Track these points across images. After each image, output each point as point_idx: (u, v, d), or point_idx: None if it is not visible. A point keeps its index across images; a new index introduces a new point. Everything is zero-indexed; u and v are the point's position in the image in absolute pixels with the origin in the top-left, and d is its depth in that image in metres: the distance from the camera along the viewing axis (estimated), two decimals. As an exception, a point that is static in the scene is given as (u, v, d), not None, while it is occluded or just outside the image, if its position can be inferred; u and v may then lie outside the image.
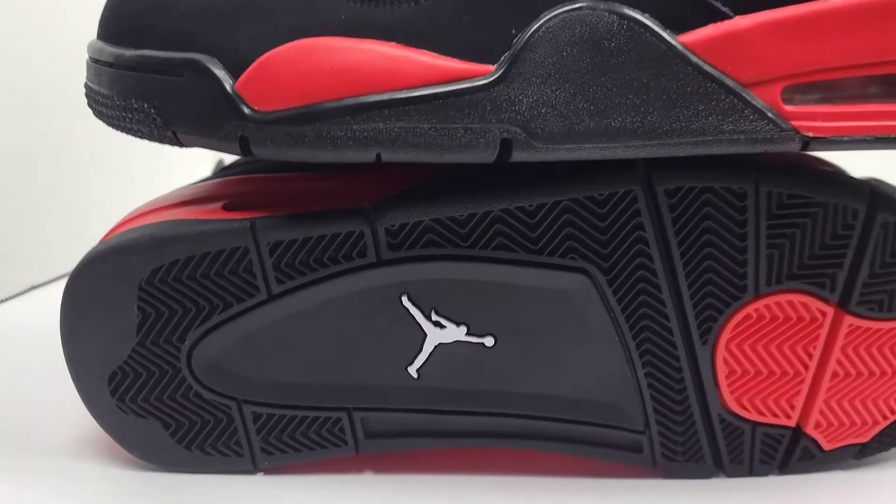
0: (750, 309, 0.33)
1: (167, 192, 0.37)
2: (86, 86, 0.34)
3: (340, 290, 0.33)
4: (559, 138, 0.30)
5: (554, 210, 0.32)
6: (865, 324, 0.33)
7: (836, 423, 0.34)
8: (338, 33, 0.30)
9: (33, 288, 0.59)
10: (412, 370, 0.34)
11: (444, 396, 0.34)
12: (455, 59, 0.30)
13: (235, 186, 0.36)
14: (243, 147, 0.31)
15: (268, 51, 0.30)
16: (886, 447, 0.35)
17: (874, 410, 0.34)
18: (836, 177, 0.34)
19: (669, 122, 0.30)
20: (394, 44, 0.30)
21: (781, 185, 0.32)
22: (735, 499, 0.33)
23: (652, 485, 0.34)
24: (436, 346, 0.33)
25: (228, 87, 0.30)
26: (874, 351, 0.33)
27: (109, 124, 0.33)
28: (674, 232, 0.32)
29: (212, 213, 0.33)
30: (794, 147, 0.30)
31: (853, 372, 0.33)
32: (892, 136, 0.31)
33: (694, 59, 0.29)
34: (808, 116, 0.30)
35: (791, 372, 0.33)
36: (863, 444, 0.34)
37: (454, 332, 0.33)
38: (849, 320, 0.33)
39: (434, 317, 0.33)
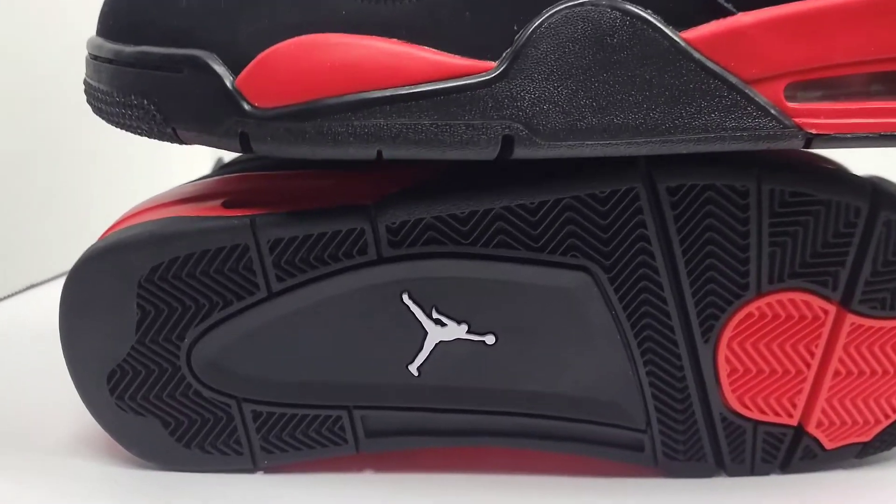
0: (752, 307, 0.33)
1: (167, 190, 0.37)
2: (85, 82, 0.34)
3: (341, 287, 0.33)
4: (561, 135, 0.30)
5: (555, 208, 0.32)
6: (867, 322, 0.33)
7: (837, 422, 0.34)
8: (339, 29, 0.30)
9: (32, 286, 0.59)
10: (413, 368, 0.34)
11: (444, 395, 0.34)
12: (457, 56, 0.30)
13: (236, 184, 0.36)
14: (243, 144, 0.31)
15: (268, 47, 0.30)
16: (888, 446, 0.35)
17: (876, 409, 0.34)
18: (839, 174, 0.34)
19: (672, 118, 0.30)
20: (395, 40, 0.30)
21: (784, 182, 0.32)
22: (736, 498, 0.33)
23: (653, 484, 0.34)
24: (436, 345, 0.33)
25: (229, 84, 0.30)
26: (876, 350, 0.33)
27: (109, 121, 0.33)
28: (676, 230, 0.32)
29: (212, 210, 0.33)
30: (797, 144, 0.30)
31: (855, 371, 0.33)
32: (895, 133, 0.31)
33: (696, 55, 0.29)
34: (811, 113, 0.30)
35: (793, 371, 0.33)
36: (864, 444, 0.34)
37: (455, 331, 0.33)
38: (851, 319, 0.33)
39: (435, 315, 0.33)
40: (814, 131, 0.30)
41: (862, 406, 0.34)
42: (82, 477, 0.35)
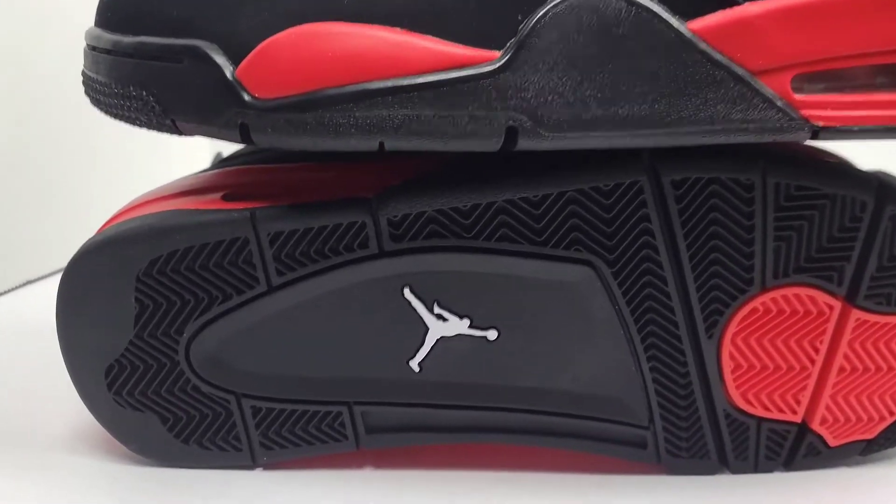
0: (756, 302, 0.32)
1: (166, 183, 0.37)
2: (83, 74, 0.34)
3: (341, 281, 0.32)
4: (565, 126, 0.29)
5: (559, 201, 0.32)
6: (873, 318, 0.33)
7: (842, 418, 0.34)
8: (340, 18, 0.29)
9: (28, 283, 0.59)
10: (414, 364, 0.33)
11: (445, 391, 0.34)
12: (460, 45, 0.29)
13: (235, 177, 0.36)
14: (243, 135, 0.30)
15: (269, 36, 0.30)
16: (892, 444, 0.35)
17: (881, 406, 0.34)
18: (844, 169, 0.33)
19: (677, 110, 0.29)
20: (397, 29, 0.29)
21: (789, 176, 0.31)
22: (740, 495, 0.33)
23: (656, 481, 0.34)
24: (438, 340, 0.33)
25: (229, 74, 0.30)
26: (881, 346, 0.33)
27: (107, 113, 0.33)
28: (680, 224, 0.32)
29: (211, 203, 0.33)
30: (804, 137, 0.30)
31: (860, 367, 0.33)
32: (898, 126, 0.31)
33: (703, 46, 0.29)
34: (818, 105, 0.30)
35: (797, 367, 0.33)
36: (869, 441, 0.34)
37: (456, 326, 0.33)
38: (856, 314, 0.33)
39: (436, 309, 0.33)
40: (821, 123, 0.30)
41: (866, 403, 0.34)
42: (80, 473, 0.34)
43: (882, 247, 0.32)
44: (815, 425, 0.34)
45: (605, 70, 0.29)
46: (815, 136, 0.30)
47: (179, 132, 0.32)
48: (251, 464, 0.34)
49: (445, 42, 0.29)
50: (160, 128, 0.32)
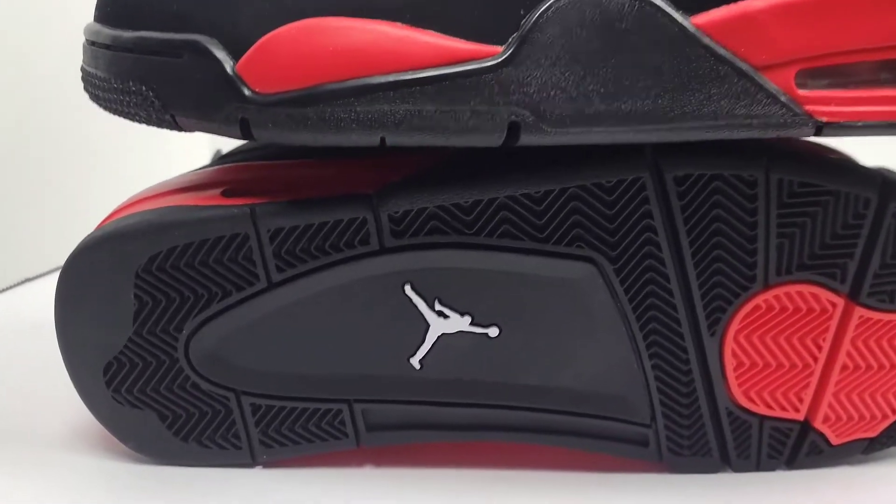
0: (759, 300, 0.32)
1: (165, 180, 0.37)
2: (82, 69, 0.34)
3: (342, 278, 0.32)
4: (568, 121, 0.29)
5: (561, 197, 0.31)
6: (876, 316, 0.33)
7: (844, 417, 0.34)
8: (341, 13, 0.29)
9: (27, 280, 0.59)
10: (414, 361, 0.33)
11: (446, 388, 0.34)
12: (462, 40, 0.29)
13: (235, 173, 0.36)
14: (244, 130, 0.30)
15: (269, 31, 0.29)
16: (895, 442, 0.34)
17: (883, 404, 0.34)
18: (848, 165, 0.33)
19: (681, 105, 0.29)
20: (399, 24, 0.29)
21: (792, 172, 0.31)
22: (742, 494, 0.33)
23: (658, 479, 0.34)
24: (439, 337, 0.33)
25: (229, 69, 0.30)
26: (884, 343, 0.33)
27: (106, 108, 0.33)
28: (682, 220, 0.32)
29: (211, 199, 0.33)
30: (807, 133, 0.30)
31: (863, 365, 0.33)
32: (905, 121, 0.31)
33: (706, 40, 0.29)
34: (822, 101, 0.30)
35: (800, 364, 0.33)
36: (871, 439, 0.34)
37: (458, 323, 0.33)
38: (859, 312, 0.33)
39: (437, 306, 0.33)
40: (824, 119, 0.30)
41: (869, 401, 0.34)
42: (78, 471, 0.34)
43: (885, 244, 0.32)
44: (818, 423, 0.34)
45: (608, 65, 0.29)
46: (818, 132, 0.30)
47: (179, 128, 0.32)
48: (251, 462, 0.34)
49: (447, 37, 0.29)
50: (160, 123, 0.32)
